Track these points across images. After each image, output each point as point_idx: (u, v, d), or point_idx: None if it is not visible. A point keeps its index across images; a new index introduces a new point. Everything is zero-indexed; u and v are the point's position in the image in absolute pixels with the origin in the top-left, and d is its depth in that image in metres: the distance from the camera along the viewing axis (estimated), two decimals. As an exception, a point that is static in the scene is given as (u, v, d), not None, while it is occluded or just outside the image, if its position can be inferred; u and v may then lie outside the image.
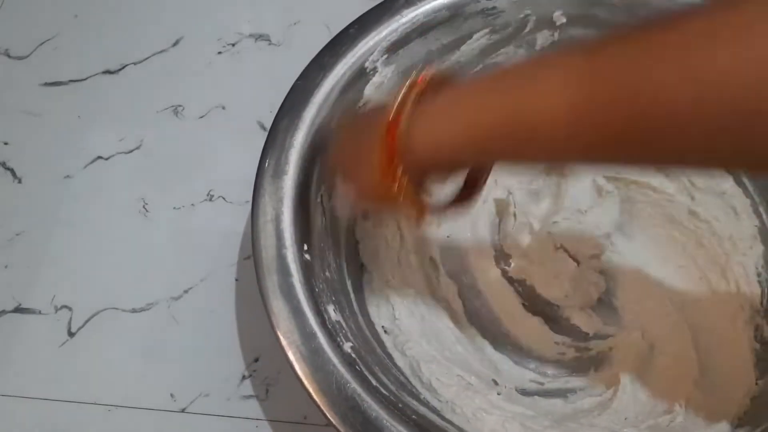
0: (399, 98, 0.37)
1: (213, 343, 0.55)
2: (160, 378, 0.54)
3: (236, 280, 0.57)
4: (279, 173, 0.47)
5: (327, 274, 0.47)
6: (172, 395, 0.53)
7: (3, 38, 0.69)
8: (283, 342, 0.42)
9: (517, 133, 0.31)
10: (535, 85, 0.30)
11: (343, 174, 0.45)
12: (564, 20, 0.54)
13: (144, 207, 0.60)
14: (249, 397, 0.53)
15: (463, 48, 0.54)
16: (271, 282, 0.43)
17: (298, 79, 0.49)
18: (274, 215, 0.45)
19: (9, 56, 0.68)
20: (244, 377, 0.53)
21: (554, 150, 0.31)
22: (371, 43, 0.50)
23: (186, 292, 0.57)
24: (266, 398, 0.53)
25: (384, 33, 0.51)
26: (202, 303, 0.56)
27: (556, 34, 0.55)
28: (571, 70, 0.29)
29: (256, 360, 0.54)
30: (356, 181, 0.43)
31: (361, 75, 0.50)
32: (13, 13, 0.71)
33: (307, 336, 0.42)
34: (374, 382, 0.42)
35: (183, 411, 0.53)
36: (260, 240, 0.45)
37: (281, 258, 0.44)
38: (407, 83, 0.37)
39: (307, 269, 0.45)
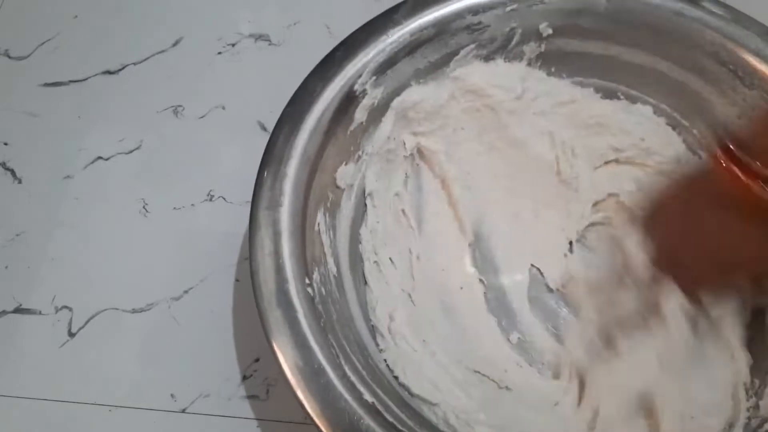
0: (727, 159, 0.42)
1: (213, 343, 0.55)
2: (161, 378, 0.54)
3: (236, 280, 0.57)
4: (274, 204, 0.45)
5: (331, 306, 0.46)
6: (172, 395, 0.53)
7: (3, 38, 0.69)
8: (292, 380, 0.40)
9: None
10: None
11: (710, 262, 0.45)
12: (550, 31, 0.54)
13: (144, 207, 0.60)
14: (249, 397, 0.53)
15: (452, 64, 0.54)
16: (274, 317, 0.42)
17: (287, 106, 0.48)
18: (272, 248, 0.44)
19: (9, 56, 0.68)
20: (244, 377, 0.53)
21: None
22: (359, 65, 0.50)
23: (186, 292, 0.57)
24: (267, 398, 0.53)
25: (371, 54, 0.50)
26: (202, 303, 0.56)
27: (543, 46, 0.55)
28: None
29: (257, 360, 0.54)
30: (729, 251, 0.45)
31: (350, 99, 0.50)
32: (13, 13, 0.71)
33: (315, 372, 0.41)
34: (389, 417, 0.41)
35: (183, 411, 0.53)
36: (260, 274, 0.43)
37: (283, 292, 0.43)
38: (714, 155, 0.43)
39: (311, 302, 0.43)
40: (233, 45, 0.68)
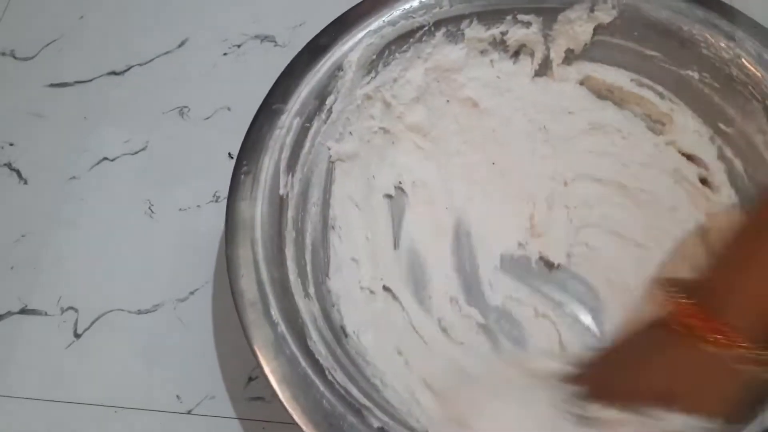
0: (678, 313, 0.40)
1: (219, 344, 0.55)
2: (166, 379, 0.54)
3: (242, 281, 0.57)
4: (250, 225, 0.46)
5: (316, 321, 0.46)
6: (178, 397, 0.53)
7: (9, 39, 0.69)
8: (287, 405, 0.41)
9: None
10: None
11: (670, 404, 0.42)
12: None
13: (150, 208, 0.60)
14: (255, 398, 0.53)
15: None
16: (260, 335, 0.43)
17: (264, 102, 0.51)
18: (253, 268, 0.45)
19: (15, 57, 0.68)
20: (250, 379, 0.53)
21: None
22: (345, 48, 0.53)
23: (192, 293, 0.57)
24: (272, 400, 0.52)
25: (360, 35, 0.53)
26: (207, 305, 0.56)
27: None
28: None
29: (263, 362, 0.54)
30: (699, 401, 0.41)
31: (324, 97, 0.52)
32: (19, 14, 0.71)
33: (307, 385, 0.42)
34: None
35: (189, 413, 0.53)
36: (243, 296, 0.44)
37: (266, 309, 0.44)
38: (665, 304, 0.41)
39: (294, 320, 0.44)
40: (239, 46, 0.68)
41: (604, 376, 0.45)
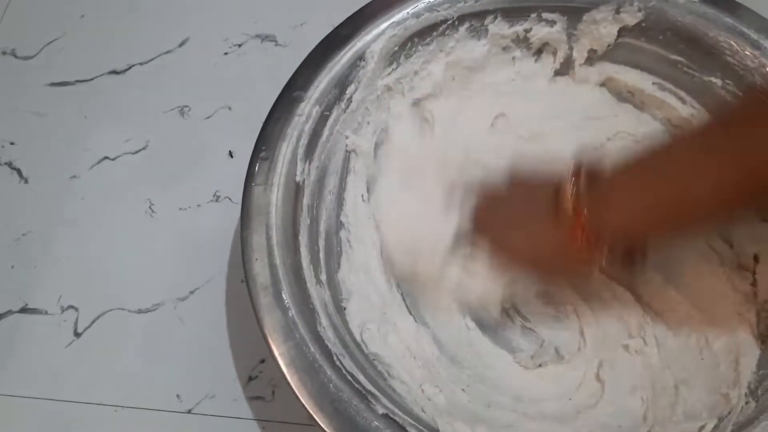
0: (570, 186, 0.44)
1: (219, 344, 0.55)
2: (166, 379, 0.54)
3: (242, 281, 0.57)
4: (265, 210, 0.46)
5: (326, 308, 0.47)
6: (178, 396, 0.53)
7: (10, 38, 0.69)
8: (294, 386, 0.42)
9: (686, 207, 0.42)
10: (694, 168, 0.41)
11: (502, 242, 0.49)
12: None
13: (150, 207, 0.60)
14: (255, 398, 0.53)
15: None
16: (271, 319, 0.43)
17: (270, 115, 0.50)
18: (266, 253, 0.45)
19: (16, 56, 0.68)
20: (250, 378, 0.53)
21: (707, 215, 0.42)
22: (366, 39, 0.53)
23: (192, 293, 0.57)
24: (273, 399, 0.53)
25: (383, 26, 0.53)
26: (208, 304, 0.56)
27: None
28: (717, 156, 0.40)
29: (263, 361, 0.54)
30: (525, 250, 0.48)
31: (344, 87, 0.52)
32: (20, 13, 0.71)
33: (315, 370, 0.42)
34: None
35: (189, 412, 0.53)
36: (255, 280, 0.44)
37: (277, 294, 0.44)
38: (570, 172, 0.44)
39: (304, 305, 0.44)
40: (239, 45, 0.68)
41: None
